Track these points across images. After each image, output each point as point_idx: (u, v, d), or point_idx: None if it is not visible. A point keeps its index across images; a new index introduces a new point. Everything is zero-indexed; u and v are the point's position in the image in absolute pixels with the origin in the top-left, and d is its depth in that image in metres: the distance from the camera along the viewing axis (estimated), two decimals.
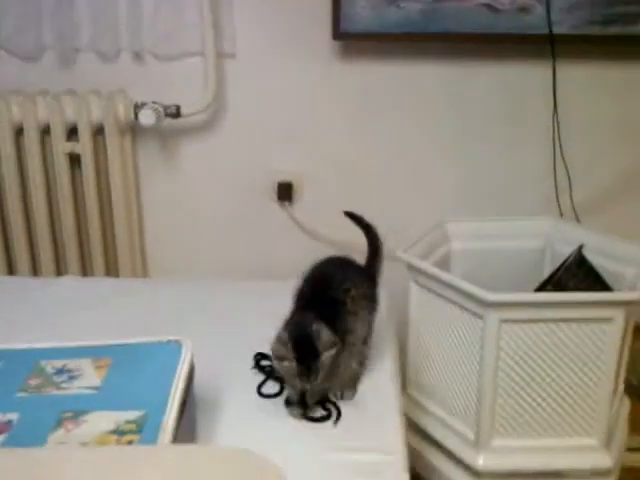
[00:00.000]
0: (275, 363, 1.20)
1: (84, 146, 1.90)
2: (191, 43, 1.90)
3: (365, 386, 1.29)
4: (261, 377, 1.32)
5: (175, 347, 1.08)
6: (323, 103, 1.97)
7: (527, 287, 1.76)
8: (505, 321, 1.51)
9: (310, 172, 2.04)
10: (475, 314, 1.54)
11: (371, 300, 1.40)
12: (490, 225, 1.91)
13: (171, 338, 1.10)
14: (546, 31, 1.82)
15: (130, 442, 0.87)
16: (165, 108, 1.90)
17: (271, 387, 1.29)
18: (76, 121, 1.88)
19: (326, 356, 1.18)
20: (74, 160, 1.93)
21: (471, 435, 1.60)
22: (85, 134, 1.88)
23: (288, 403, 1.23)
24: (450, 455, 1.66)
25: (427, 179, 2.03)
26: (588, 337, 1.50)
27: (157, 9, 1.85)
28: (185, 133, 2.01)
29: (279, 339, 1.18)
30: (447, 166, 2.03)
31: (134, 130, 1.96)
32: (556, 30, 1.83)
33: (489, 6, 1.80)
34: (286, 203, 2.07)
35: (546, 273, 1.82)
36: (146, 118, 1.82)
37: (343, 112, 1.98)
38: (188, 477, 0.71)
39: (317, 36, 1.88)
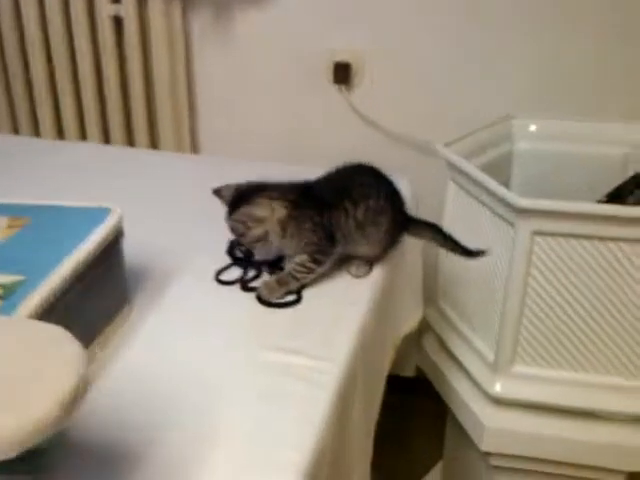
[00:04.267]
0: None
1: (127, 9, 1.79)
2: None
3: (337, 290, 1.13)
4: None
5: (101, 214, 0.97)
6: None
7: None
8: (538, 233, 1.28)
9: (372, 53, 1.83)
10: (507, 221, 1.32)
11: (392, 231, 1.19)
12: (565, 125, 1.64)
13: (103, 205, 0.99)
14: None
15: None
16: None
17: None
18: None
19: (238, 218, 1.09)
20: (120, 24, 1.84)
21: (491, 357, 1.41)
22: None
23: None
24: (469, 376, 1.49)
25: (502, 66, 1.76)
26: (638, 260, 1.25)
27: None
28: (240, 1, 1.84)
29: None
30: (527, 52, 1.73)
31: None
32: None
33: None
34: (343, 87, 1.88)
35: None
36: None
37: None
38: None
39: None
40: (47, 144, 1.84)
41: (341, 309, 1.08)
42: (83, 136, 1.97)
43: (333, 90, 1.89)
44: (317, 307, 1.08)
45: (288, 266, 1.11)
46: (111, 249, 0.95)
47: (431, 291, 1.59)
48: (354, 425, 1.01)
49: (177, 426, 0.86)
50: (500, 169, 1.59)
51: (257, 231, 1.08)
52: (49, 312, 0.81)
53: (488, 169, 1.42)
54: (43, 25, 1.87)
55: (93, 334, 0.95)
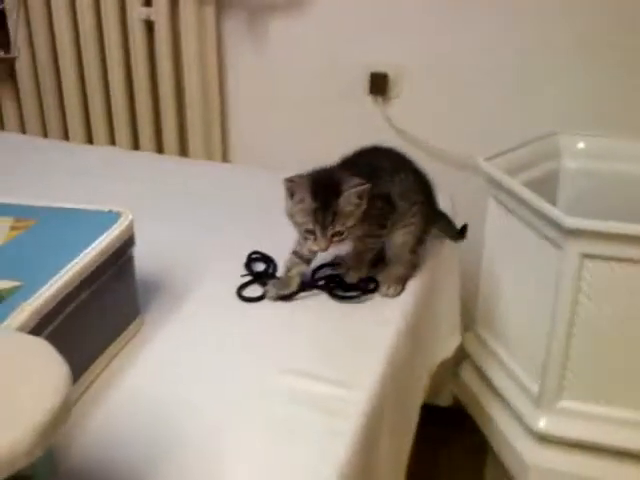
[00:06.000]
0: (288, 208, 1.01)
1: (158, 12, 1.73)
2: None
3: (365, 310, 1.03)
4: None
5: (111, 218, 0.89)
6: None
7: None
8: (588, 256, 1.18)
9: (410, 64, 1.74)
10: (554, 243, 1.22)
11: (424, 216, 1.13)
12: (615, 143, 1.52)
13: (113, 208, 0.91)
14: None
15: None
16: None
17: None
18: None
19: (349, 194, 0.98)
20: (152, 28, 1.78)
21: (535, 389, 1.30)
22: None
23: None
24: (511, 410, 1.37)
25: (549, 81, 1.65)
26: None
27: None
28: (275, 8, 1.77)
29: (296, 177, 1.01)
30: (575, 68, 1.62)
31: (219, 1, 1.75)
32: None
33: None
34: (379, 98, 1.79)
35: None
36: None
37: None
38: None
39: None
40: (75, 147, 1.80)
41: (369, 331, 0.99)
42: (112, 141, 1.91)
43: (368, 101, 1.80)
44: (343, 328, 0.99)
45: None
46: (120, 256, 0.87)
47: (470, 316, 1.48)
48: (381, 460, 0.91)
49: (177, 459, 0.76)
50: (545, 188, 1.48)
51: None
52: (44, 323, 0.72)
53: (532, 187, 1.32)
54: (74, 28, 1.82)
55: (98, 349, 0.87)
